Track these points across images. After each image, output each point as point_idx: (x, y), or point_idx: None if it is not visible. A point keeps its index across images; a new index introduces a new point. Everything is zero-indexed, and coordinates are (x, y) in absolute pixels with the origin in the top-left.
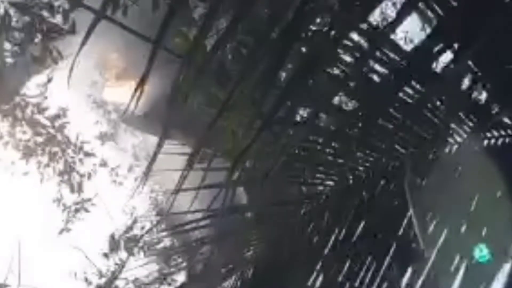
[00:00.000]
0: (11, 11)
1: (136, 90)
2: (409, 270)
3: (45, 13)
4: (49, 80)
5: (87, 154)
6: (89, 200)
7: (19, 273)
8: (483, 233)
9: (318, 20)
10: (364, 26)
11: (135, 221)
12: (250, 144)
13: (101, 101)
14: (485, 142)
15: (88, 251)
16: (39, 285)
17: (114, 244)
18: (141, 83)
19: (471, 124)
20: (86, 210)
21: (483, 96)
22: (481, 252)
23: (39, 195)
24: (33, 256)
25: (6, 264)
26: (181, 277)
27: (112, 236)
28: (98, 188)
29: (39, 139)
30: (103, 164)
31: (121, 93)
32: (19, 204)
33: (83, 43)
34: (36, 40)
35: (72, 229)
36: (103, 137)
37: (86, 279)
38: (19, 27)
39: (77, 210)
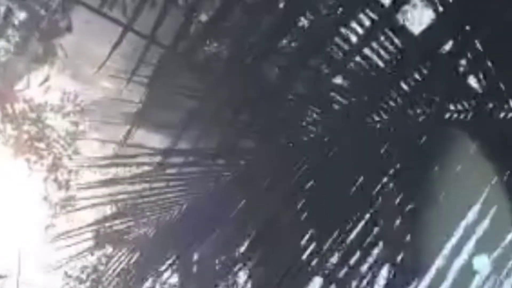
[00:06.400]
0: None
1: None
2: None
3: (42, 11)
4: (46, 79)
5: (76, 151)
6: (76, 197)
7: (18, 266)
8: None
9: None
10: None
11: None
12: None
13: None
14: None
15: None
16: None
17: (99, 239)
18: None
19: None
20: (73, 206)
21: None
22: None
23: (26, 191)
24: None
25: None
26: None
27: (97, 231)
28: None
29: (28, 135)
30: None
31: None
32: (5, 201)
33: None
34: (34, 38)
35: (57, 224)
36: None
37: (66, 273)
38: (17, 25)
39: (63, 207)
